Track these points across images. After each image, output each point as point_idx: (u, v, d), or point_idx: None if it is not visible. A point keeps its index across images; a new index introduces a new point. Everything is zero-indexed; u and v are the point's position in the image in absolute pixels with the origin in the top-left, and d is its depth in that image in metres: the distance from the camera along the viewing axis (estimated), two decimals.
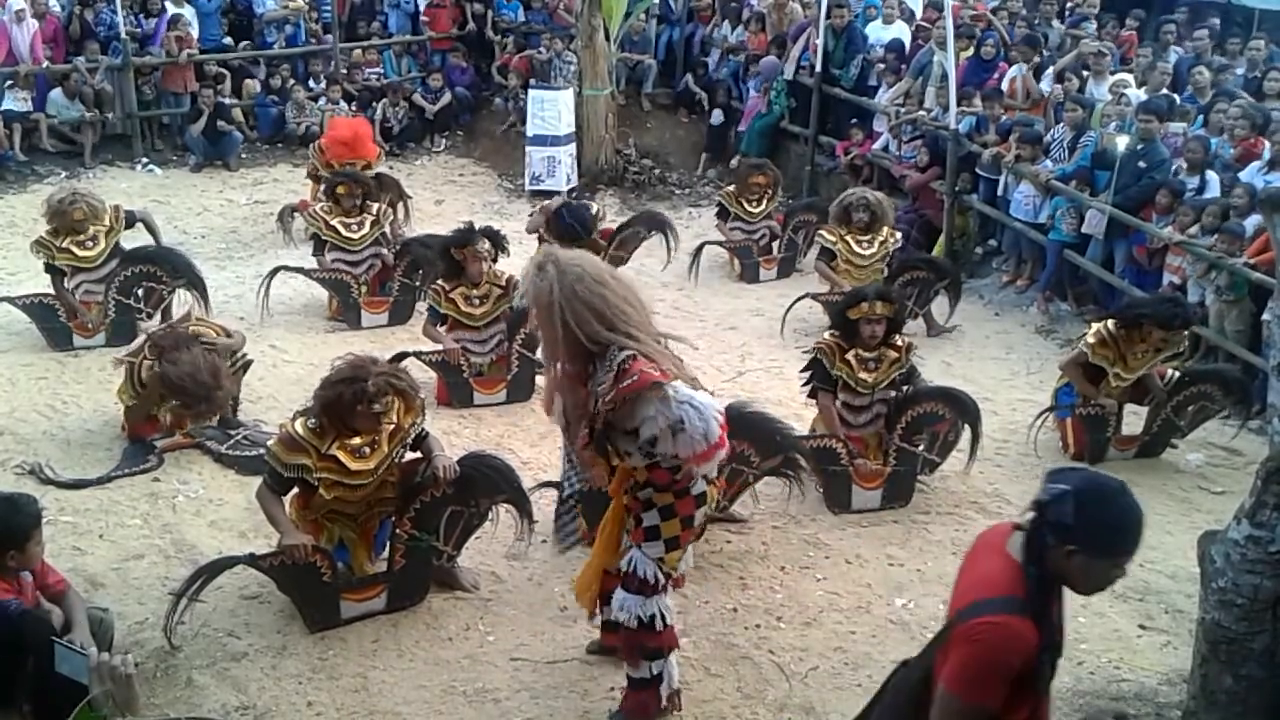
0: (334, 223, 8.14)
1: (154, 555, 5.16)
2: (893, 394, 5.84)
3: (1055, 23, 11.32)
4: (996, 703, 2.59)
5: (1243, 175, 7.83)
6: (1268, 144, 7.84)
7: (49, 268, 7.59)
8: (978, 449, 5.86)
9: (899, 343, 5.85)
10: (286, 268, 8.14)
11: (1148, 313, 6.30)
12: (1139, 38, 10.89)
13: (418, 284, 8.14)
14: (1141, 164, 8.20)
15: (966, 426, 5.80)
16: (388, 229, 8.33)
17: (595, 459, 3.80)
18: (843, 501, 5.72)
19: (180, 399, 5.83)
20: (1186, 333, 6.54)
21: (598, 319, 3.53)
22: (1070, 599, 5.04)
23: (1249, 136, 8.11)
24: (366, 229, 8.17)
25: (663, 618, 3.91)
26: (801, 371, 6.05)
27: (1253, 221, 7.23)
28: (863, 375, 5.78)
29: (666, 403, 3.49)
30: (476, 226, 7.04)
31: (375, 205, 8.30)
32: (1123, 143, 8.26)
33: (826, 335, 5.96)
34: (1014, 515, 5.73)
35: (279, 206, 10.33)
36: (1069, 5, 11.67)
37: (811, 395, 5.95)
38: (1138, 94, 9.00)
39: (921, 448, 5.74)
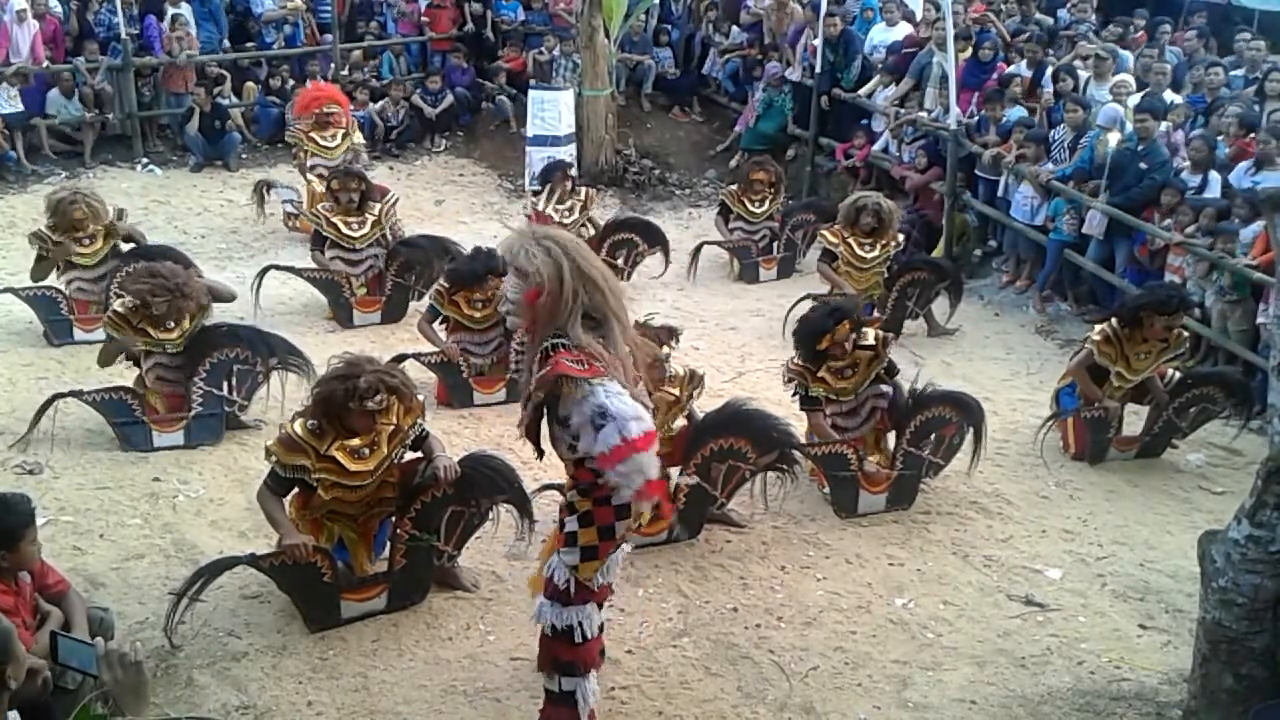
0: (335, 220, 8.12)
1: (154, 555, 5.16)
2: (883, 388, 5.81)
3: (1044, 17, 11.38)
4: None
5: (1231, 177, 7.84)
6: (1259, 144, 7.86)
7: (40, 258, 7.66)
8: (980, 451, 5.83)
9: (870, 340, 5.78)
10: (277, 267, 8.15)
11: (1145, 300, 6.31)
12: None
13: (411, 284, 8.18)
14: (1142, 164, 8.20)
15: (970, 429, 5.78)
16: (388, 231, 8.33)
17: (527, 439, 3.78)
18: (849, 506, 5.69)
19: (150, 288, 5.97)
20: (1187, 334, 6.55)
21: (598, 292, 3.57)
22: (1070, 597, 5.07)
23: (1243, 135, 8.11)
24: (367, 229, 8.16)
25: (582, 631, 3.80)
26: (790, 395, 6.02)
27: (1253, 228, 7.22)
28: (842, 385, 5.76)
29: (585, 398, 3.47)
30: (486, 254, 6.83)
31: (377, 206, 8.29)
32: (1113, 140, 8.25)
33: (794, 361, 5.87)
34: (1014, 515, 5.81)
35: (277, 205, 10.35)
36: (1070, 4, 11.68)
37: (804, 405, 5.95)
38: (1138, 98, 9.02)
39: (927, 451, 5.71)
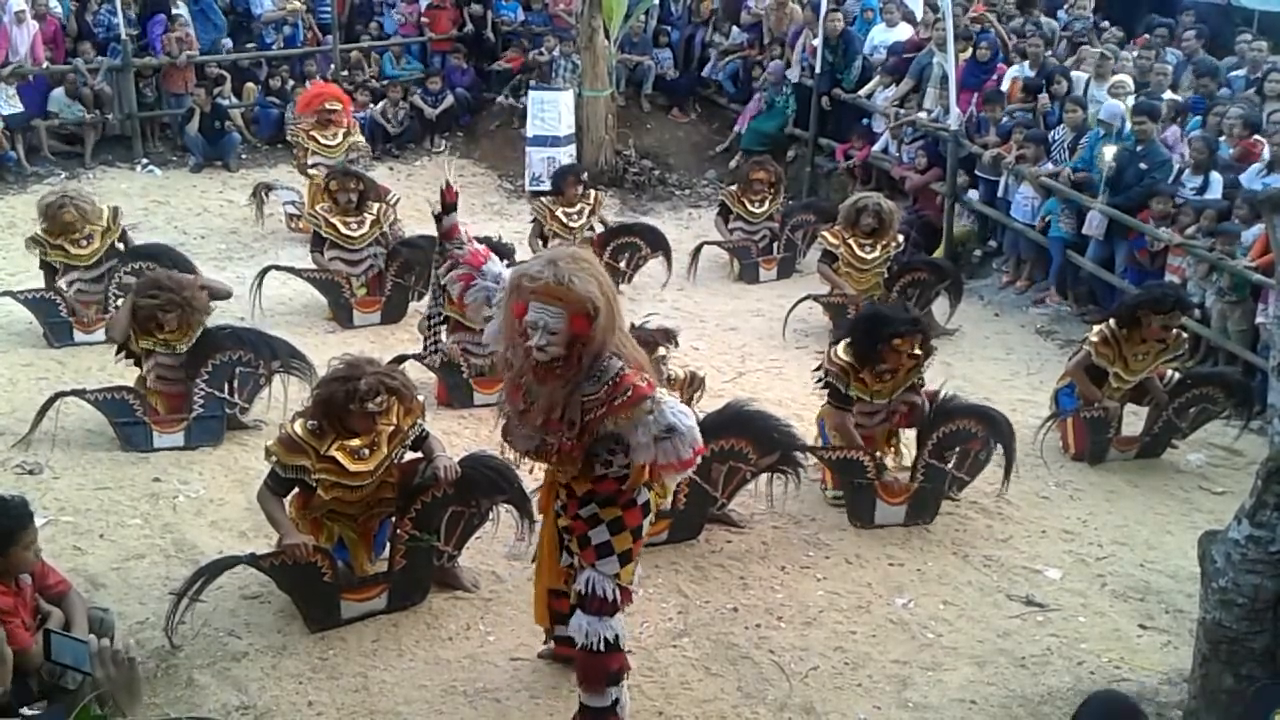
0: (334, 220, 8.12)
1: (155, 555, 5.16)
2: (913, 396, 5.69)
3: (1045, 18, 11.37)
4: None
5: (1243, 178, 7.83)
6: (1267, 146, 7.84)
7: (43, 264, 7.67)
8: (1013, 468, 5.66)
9: (917, 350, 5.60)
10: (277, 267, 8.18)
11: (1143, 300, 6.30)
12: (1130, 37, 10.93)
13: (411, 284, 8.17)
14: (1142, 165, 8.21)
15: (999, 445, 5.61)
16: (387, 229, 8.33)
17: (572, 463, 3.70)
18: (866, 516, 5.55)
19: (154, 298, 5.97)
20: (1186, 335, 6.55)
21: (616, 303, 3.55)
22: (1070, 597, 5.07)
23: (1246, 136, 8.11)
24: (366, 228, 8.16)
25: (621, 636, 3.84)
26: (815, 381, 5.96)
27: (1254, 231, 7.22)
28: (878, 388, 5.62)
29: (660, 412, 3.46)
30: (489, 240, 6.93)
31: (375, 205, 8.30)
32: (1110, 153, 8.25)
33: (839, 355, 5.67)
34: (1014, 515, 5.79)
35: (278, 206, 10.35)
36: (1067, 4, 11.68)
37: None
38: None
39: (950, 465, 5.57)
